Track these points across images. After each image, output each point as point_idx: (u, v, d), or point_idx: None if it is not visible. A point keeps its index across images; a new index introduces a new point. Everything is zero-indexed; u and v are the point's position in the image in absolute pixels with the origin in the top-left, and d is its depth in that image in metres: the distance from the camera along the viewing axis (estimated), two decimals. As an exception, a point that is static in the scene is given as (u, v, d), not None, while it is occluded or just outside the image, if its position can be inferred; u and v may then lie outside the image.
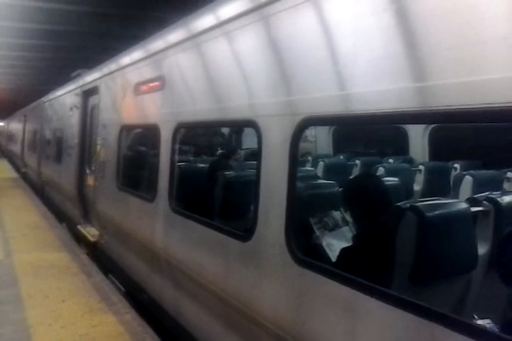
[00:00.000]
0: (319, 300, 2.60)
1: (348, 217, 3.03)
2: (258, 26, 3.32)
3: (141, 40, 6.09)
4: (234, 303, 3.37)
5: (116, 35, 12.92)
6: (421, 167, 5.88)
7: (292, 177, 2.82)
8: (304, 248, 2.83)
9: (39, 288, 5.53)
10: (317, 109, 2.69)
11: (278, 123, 3.00)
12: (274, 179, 2.97)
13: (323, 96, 2.65)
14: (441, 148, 6.65)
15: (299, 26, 2.88)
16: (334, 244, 2.91)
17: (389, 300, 2.15)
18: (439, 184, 5.62)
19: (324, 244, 2.96)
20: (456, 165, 5.89)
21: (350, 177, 4.54)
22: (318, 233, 3.03)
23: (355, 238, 2.81)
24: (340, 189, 3.27)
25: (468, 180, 4.70)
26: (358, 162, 6.70)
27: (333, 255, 2.82)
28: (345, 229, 3.06)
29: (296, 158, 2.90)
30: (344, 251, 2.71)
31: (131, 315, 4.83)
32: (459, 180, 4.85)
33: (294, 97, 2.91)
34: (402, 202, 2.59)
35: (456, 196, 4.74)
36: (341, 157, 7.71)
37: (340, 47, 2.61)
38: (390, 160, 6.71)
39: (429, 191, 5.52)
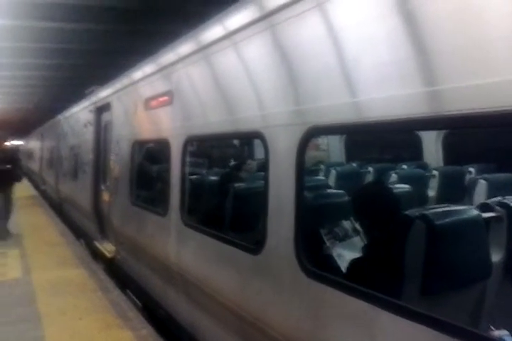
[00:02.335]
0: (330, 312, 2.55)
1: (359, 227, 2.98)
2: (263, 36, 3.31)
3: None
4: (247, 317, 3.33)
5: (129, 51, 13.07)
6: (435, 172, 5.79)
7: (300, 187, 2.79)
8: (314, 259, 2.78)
9: (56, 305, 5.55)
10: (323, 118, 2.67)
11: (283, 134, 2.98)
12: (282, 190, 2.95)
13: (328, 105, 2.63)
14: (456, 152, 6.55)
15: (303, 35, 2.87)
16: (345, 255, 2.86)
17: (400, 312, 2.10)
18: (454, 189, 5.51)
19: (335, 254, 2.91)
20: (471, 169, 5.79)
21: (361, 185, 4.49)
22: (328, 244, 2.98)
23: (364, 248, 2.76)
24: (350, 198, 3.23)
25: (482, 184, 4.60)
26: (371, 169, 6.63)
27: (344, 266, 2.77)
28: (356, 239, 3.00)
29: (303, 168, 2.87)
30: (354, 262, 2.67)
31: (147, 331, 4.81)
32: (473, 184, 4.76)
33: (299, 107, 2.89)
34: (411, 210, 2.53)
35: (470, 201, 4.65)
36: (354, 164, 7.64)
37: (345, 54, 2.58)
38: (404, 166, 6.63)
39: (443, 196, 5.42)
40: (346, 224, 3.01)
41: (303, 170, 2.88)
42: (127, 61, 10.34)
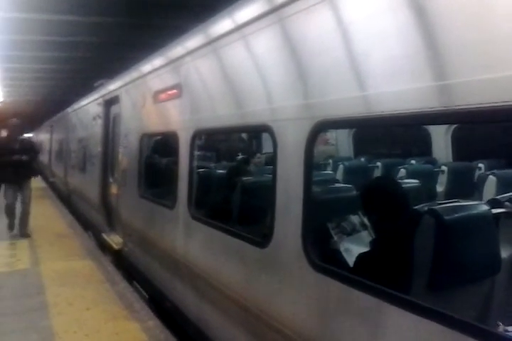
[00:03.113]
0: (337, 306, 2.55)
1: (367, 221, 2.96)
2: (271, 30, 3.30)
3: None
4: (254, 310, 3.34)
5: (137, 44, 13.04)
6: (444, 167, 5.75)
7: (308, 181, 2.79)
8: (322, 253, 2.79)
9: (64, 296, 5.59)
10: (332, 111, 2.65)
11: (292, 128, 2.97)
12: (290, 184, 2.94)
13: (337, 99, 2.61)
14: (465, 147, 6.50)
15: (313, 28, 2.84)
16: (352, 249, 2.85)
17: (408, 307, 2.10)
18: (463, 184, 5.47)
19: (342, 249, 2.90)
20: (481, 165, 5.73)
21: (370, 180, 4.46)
22: (335, 238, 2.97)
23: (373, 243, 2.75)
24: (358, 192, 3.21)
25: (491, 180, 4.55)
26: (379, 164, 6.60)
27: (351, 260, 2.77)
28: (364, 233, 2.99)
29: (311, 162, 2.87)
30: (361, 257, 2.66)
31: (153, 322, 4.83)
32: (483, 180, 4.71)
33: (308, 101, 2.88)
34: (420, 205, 2.52)
35: (480, 197, 4.61)
36: (362, 159, 7.61)
37: (356, 47, 2.56)
38: (413, 161, 6.59)
39: (452, 192, 5.38)
40: (354, 218, 3.00)
41: (311, 164, 2.87)
42: (135, 54, 10.32)
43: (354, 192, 3.38)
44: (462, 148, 6.50)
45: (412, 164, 6.42)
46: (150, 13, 10.83)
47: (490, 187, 4.52)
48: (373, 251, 2.65)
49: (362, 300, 2.35)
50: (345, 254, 2.86)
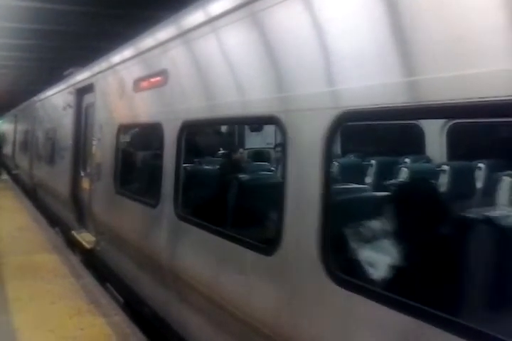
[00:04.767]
0: (365, 329, 2.18)
1: (398, 228, 2.56)
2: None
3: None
4: (256, 325, 2.94)
5: (108, 34, 12.57)
6: (445, 167, 5.50)
7: (327, 180, 2.42)
8: (342, 263, 2.42)
9: (27, 290, 5.33)
10: (360, 101, 2.28)
11: (308, 120, 2.59)
12: (304, 183, 2.58)
13: (369, 85, 2.24)
14: (462, 146, 6.29)
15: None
16: (383, 260, 2.44)
17: (461, 330, 1.74)
18: (464, 185, 5.24)
19: (371, 259, 2.49)
20: (481, 165, 5.51)
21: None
22: (363, 245, 2.56)
23: (407, 253, 2.37)
24: (386, 194, 2.84)
25: (507, 181, 4.29)
26: (373, 162, 6.31)
27: (379, 272, 2.38)
28: (392, 241, 2.60)
29: (331, 159, 2.51)
30: (398, 269, 2.28)
31: (119, 317, 4.64)
32: (495, 181, 4.45)
33: (330, 88, 2.50)
34: (468, 211, 2.18)
35: (493, 200, 4.34)
36: (352, 157, 7.34)
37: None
38: (406, 160, 6.33)
39: (454, 192, 5.14)
40: (381, 223, 2.61)
41: (331, 161, 2.53)
42: (107, 45, 9.83)
43: (384, 194, 3.01)
44: (459, 147, 6.29)
45: (406, 162, 6.18)
46: (123, 4, 10.41)
47: (505, 189, 4.25)
48: (411, 264, 2.26)
49: (399, 322, 1.99)
50: (372, 265, 2.46)
